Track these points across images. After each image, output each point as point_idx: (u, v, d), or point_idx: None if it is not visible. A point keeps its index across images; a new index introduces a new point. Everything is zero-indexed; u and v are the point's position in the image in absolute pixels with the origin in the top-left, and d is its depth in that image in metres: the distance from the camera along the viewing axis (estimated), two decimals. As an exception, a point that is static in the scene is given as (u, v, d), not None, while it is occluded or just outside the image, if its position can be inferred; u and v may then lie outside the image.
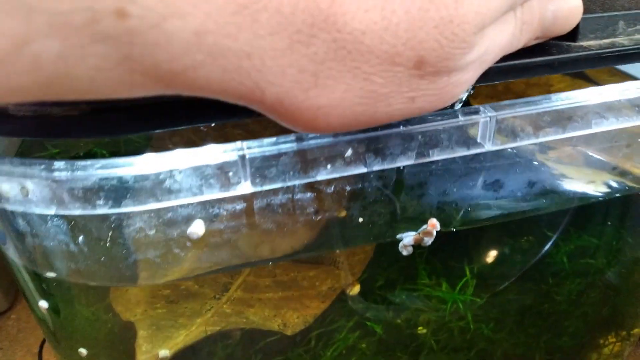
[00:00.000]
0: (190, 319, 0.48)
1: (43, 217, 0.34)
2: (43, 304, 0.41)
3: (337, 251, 0.57)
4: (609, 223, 0.52)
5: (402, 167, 0.36)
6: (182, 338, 0.45)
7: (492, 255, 0.54)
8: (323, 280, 0.56)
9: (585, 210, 0.52)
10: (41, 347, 0.80)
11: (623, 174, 0.48)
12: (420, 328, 0.55)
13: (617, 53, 0.32)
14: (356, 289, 0.54)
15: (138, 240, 0.34)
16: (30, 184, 0.31)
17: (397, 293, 0.54)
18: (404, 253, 0.41)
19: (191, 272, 0.37)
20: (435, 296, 0.53)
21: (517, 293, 0.55)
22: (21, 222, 0.35)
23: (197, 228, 0.34)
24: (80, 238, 0.34)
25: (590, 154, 0.50)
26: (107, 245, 0.34)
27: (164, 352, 0.43)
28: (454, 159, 0.38)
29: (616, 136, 0.41)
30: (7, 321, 0.85)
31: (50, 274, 0.38)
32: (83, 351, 0.43)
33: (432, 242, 0.48)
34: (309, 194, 0.35)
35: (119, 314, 0.47)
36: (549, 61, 0.33)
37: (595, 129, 0.36)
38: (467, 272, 0.52)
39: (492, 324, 0.54)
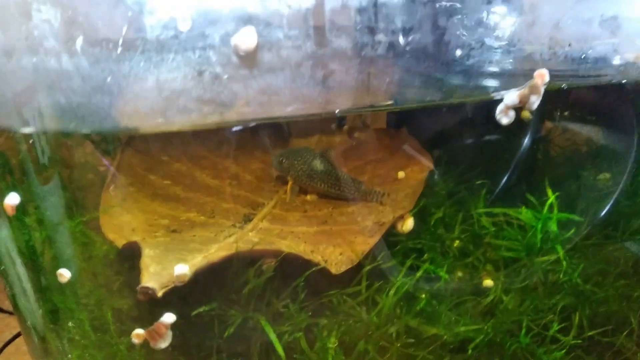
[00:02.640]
0: (204, 244, 0.36)
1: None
2: (12, 200, 0.30)
3: (379, 189, 0.47)
4: None
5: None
6: (200, 259, 0.34)
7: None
8: (365, 216, 0.45)
9: None
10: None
11: None
12: (486, 280, 0.45)
13: None
14: (408, 224, 0.44)
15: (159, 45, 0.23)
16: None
17: (461, 227, 0.43)
18: (504, 121, 0.31)
19: (236, 117, 0.26)
20: (517, 228, 0.42)
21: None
22: None
23: (247, 38, 0.24)
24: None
25: None
26: (115, 58, 0.23)
27: (182, 268, 0.31)
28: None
29: None
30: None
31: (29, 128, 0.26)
32: (64, 273, 0.31)
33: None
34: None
35: (113, 241, 0.36)
36: None
37: None
38: (550, 193, 0.42)
39: (582, 265, 0.43)
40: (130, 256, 0.35)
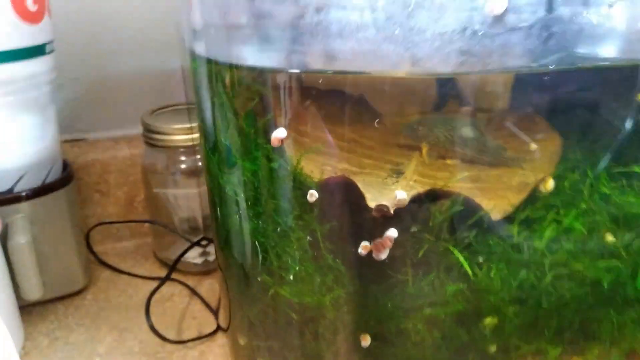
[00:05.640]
0: (382, 187, 0.43)
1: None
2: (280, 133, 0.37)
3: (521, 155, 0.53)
4: None
5: None
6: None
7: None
8: (510, 177, 0.52)
9: None
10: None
11: None
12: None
13: None
14: (549, 185, 0.50)
15: None
16: None
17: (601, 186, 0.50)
18: None
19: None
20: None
21: None
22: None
23: (500, 2, 0.32)
24: None
25: None
26: None
27: (402, 194, 0.38)
28: None
29: None
30: (83, 300, 0.80)
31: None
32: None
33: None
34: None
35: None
36: None
37: None
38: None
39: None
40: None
